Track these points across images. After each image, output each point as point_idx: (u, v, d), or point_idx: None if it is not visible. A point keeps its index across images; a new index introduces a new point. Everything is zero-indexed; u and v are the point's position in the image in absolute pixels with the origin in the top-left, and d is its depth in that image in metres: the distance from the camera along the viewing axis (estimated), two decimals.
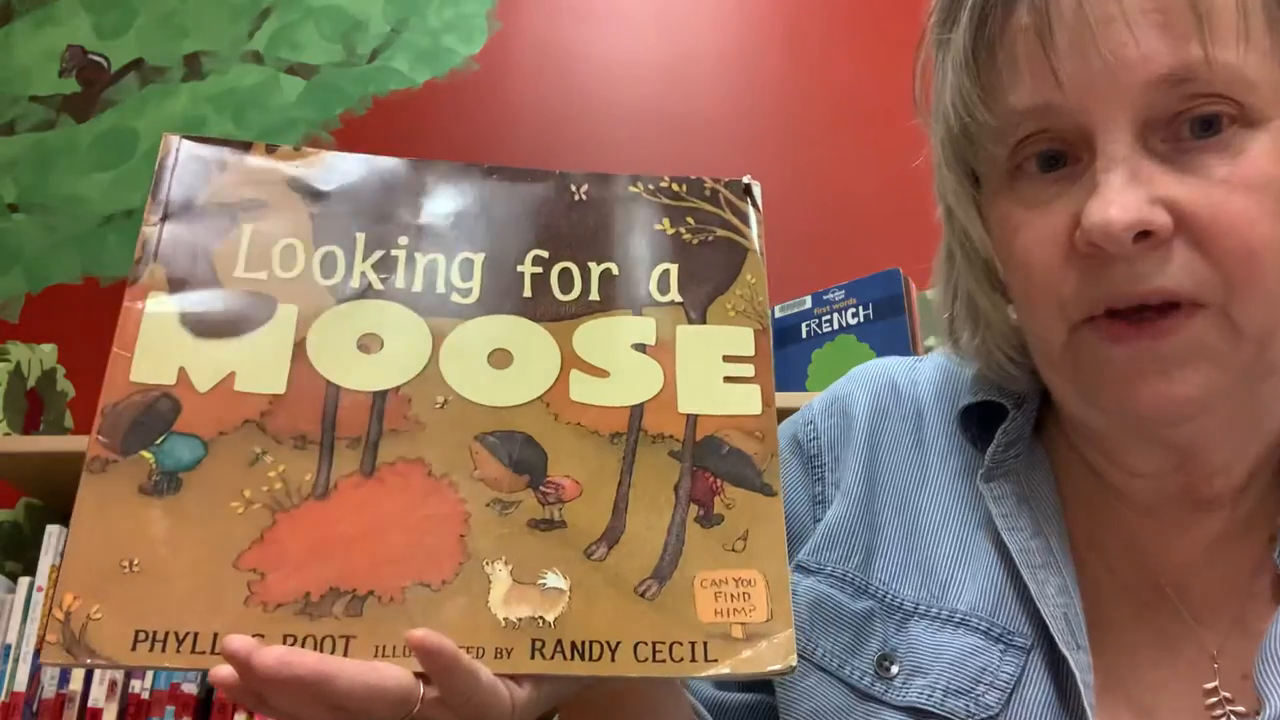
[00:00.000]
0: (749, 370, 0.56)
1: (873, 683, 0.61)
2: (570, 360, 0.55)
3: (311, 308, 0.55)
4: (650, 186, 0.60)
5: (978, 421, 0.65)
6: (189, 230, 0.55)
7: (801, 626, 0.64)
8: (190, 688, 1.47)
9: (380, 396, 0.53)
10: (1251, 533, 0.58)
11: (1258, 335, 0.51)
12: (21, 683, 1.49)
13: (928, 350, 1.76)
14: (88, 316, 1.91)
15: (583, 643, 0.50)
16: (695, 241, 0.59)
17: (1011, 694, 0.57)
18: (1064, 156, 0.53)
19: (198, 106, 2.01)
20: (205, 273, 0.55)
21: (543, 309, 0.56)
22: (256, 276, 0.55)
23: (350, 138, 1.98)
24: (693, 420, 0.55)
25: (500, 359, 0.55)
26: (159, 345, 0.53)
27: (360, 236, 0.57)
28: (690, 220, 0.59)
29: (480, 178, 0.59)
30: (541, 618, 0.50)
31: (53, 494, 1.76)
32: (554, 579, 0.51)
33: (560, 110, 1.99)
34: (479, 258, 0.57)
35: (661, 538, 0.52)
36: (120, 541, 0.49)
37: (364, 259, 0.56)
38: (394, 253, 0.56)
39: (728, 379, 0.56)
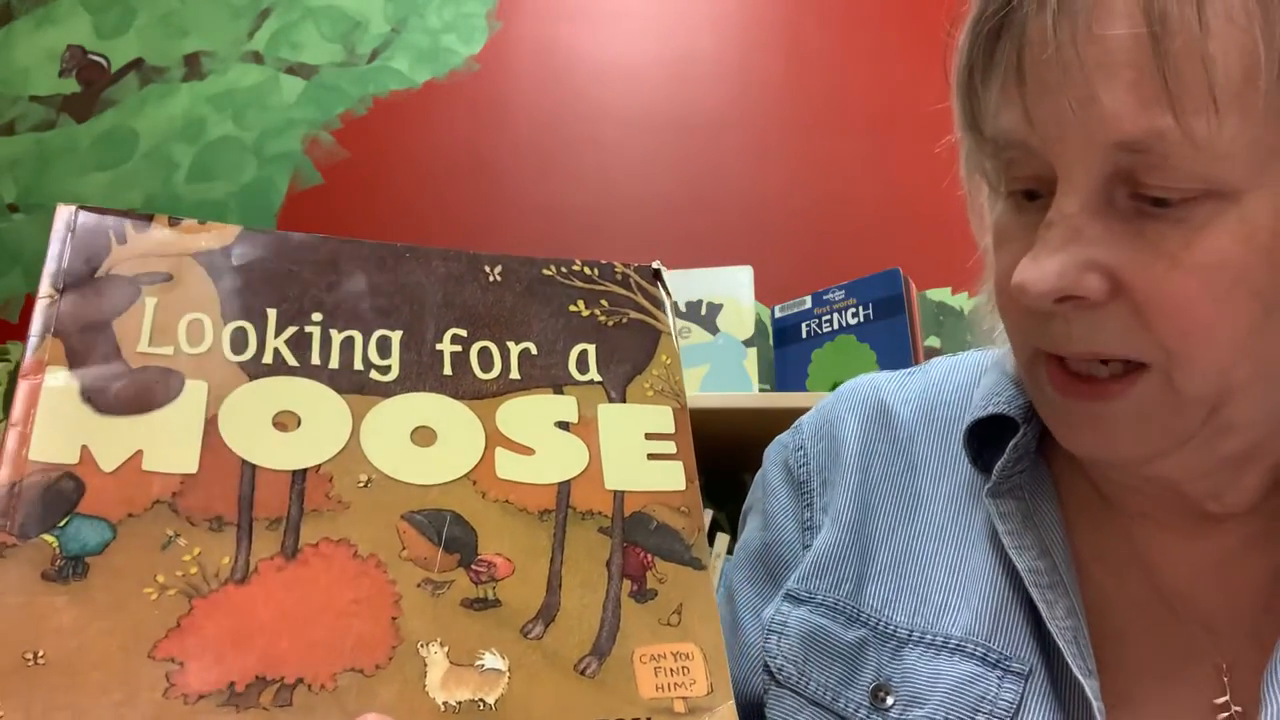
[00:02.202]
0: (671, 447, 0.57)
1: (868, 715, 0.60)
2: (494, 438, 0.55)
3: (222, 384, 0.52)
4: (563, 270, 0.60)
5: (979, 438, 0.63)
6: (88, 303, 0.53)
7: (793, 659, 0.65)
8: None
9: (300, 475, 0.51)
10: (1268, 545, 0.56)
11: (1203, 400, 0.49)
12: None
13: (928, 350, 1.76)
14: None
15: None
16: (610, 323, 0.59)
17: None
18: (1039, 191, 0.52)
19: (198, 106, 2.01)
20: (107, 347, 0.52)
21: (464, 387, 0.55)
22: (162, 351, 0.52)
23: (350, 138, 1.98)
24: (620, 496, 0.55)
25: (424, 437, 0.54)
26: (59, 422, 0.50)
27: (271, 312, 0.55)
28: (604, 303, 0.60)
29: (391, 256, 0.58)
30: (482, 700, 0.49)
31: None
32: (492, 660, 0.50)
33: (560, 110, 1.99)
34: (396, 335, 0.56)
35: (597, 614, 0.52)
36: (22, 633, 0.45)
37: (276, 334, 0.54)
38: (308, 329, 0.55)
39: (651, 456, 0.56)
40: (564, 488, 0.54)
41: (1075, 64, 0.46)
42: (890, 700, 0.59)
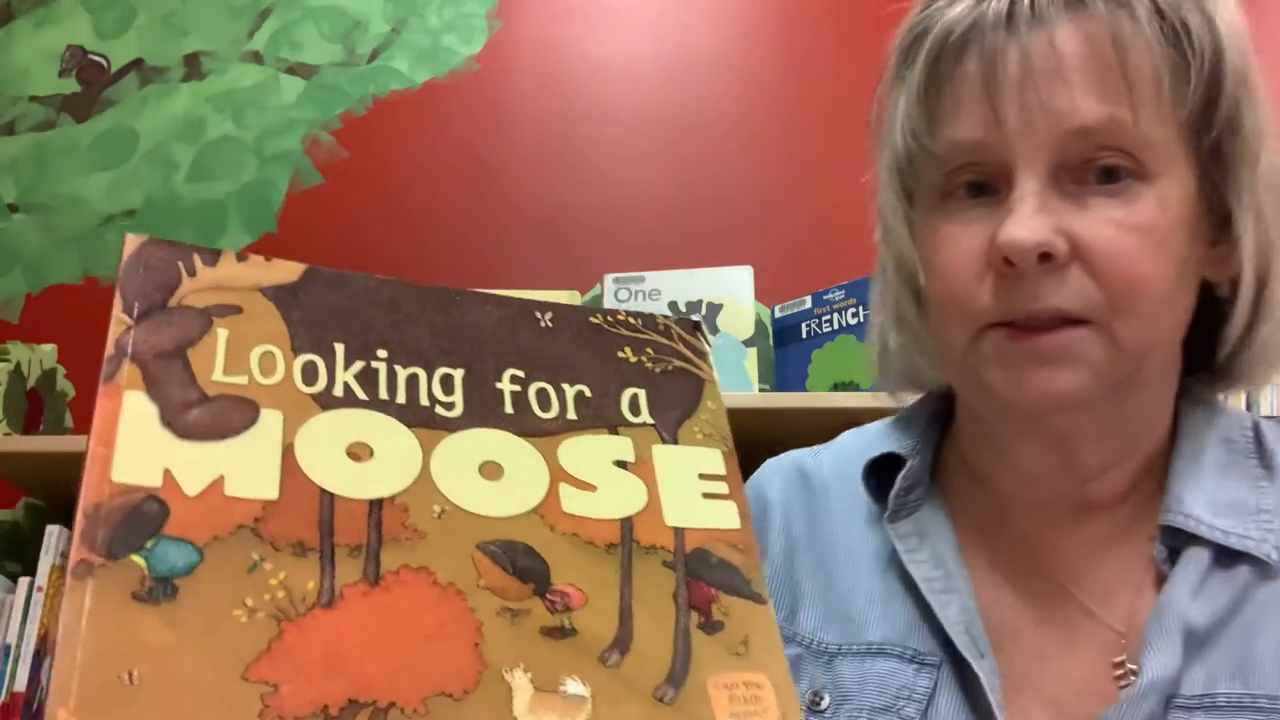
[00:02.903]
0: (724, 488, 0.58)
1: (807, 717, 0.67)
2: (558, 474, 0.56)
3: (296, 414, 0.53)
4: (609, 319, 0.62)
5: (878, 476, 0.72)
6: (162, 331, 0.54)
7: None
8: None
9: (376, 505, 0.52)
10: (1135, 532, 0.65)
11: (1135, 351, 0.60)
12: (21, 683, 1.49)
13: None
14: (88, 316, 1.91)
15: None
16: (657, 370, 0.61)
17: (928, 705, 0.64)
18: (986, 187, 0.62)
19: (198, 106, 2.01)
20: (183, 374, 0.53)
21: (526, 425, 0.57)
22: (236, 381, 0.53)
23: (350, 138, 1.98)
24: (680, 533, 0.56)
25: (491, 471, 0.55)
26: (141, 445, 0.50)
27: (339, 347, 0.56)
28: (650, 350, 0.62)
29: (448, 299, 0.59)
30: None
31: (53, 494, 1.76)
32: (574, 686, 0.50)
33: (560, 110, 1.99)
34: (458, 373, 0.57)
35: (669, 644, 0.53)
36: (116, 652, 0.45)
37: (345, 368, 0.55)
38: (374, 364, 0.56)
39: (706, 495, 0.58)
40: (626, 523, 0.56)
41: (1043, 71, 0.59)
42: (825, 702, 0.68)
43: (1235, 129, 0.61)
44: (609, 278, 1.64)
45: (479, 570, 0.52)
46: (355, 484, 0.52)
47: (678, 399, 0.61)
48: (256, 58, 2.03)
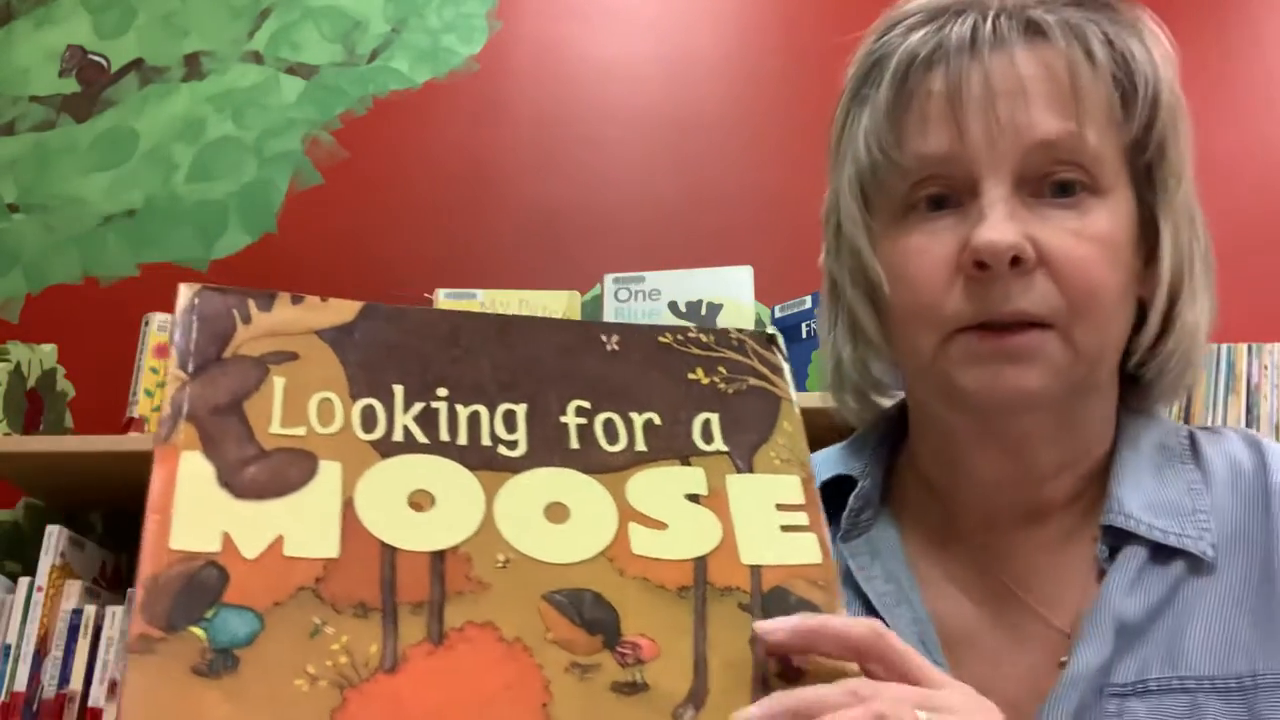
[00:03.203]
0: (803, 518, 0.55)
1: None
2: (626, 513, 0.53)
3: (356, 464, 0.51)
4: (679, 337, 0.59)
5: (831, 499, 0.70)
6: (218, 385, 0.52)
7: None
8: None
9: (438, 557, 0.50)
10: (1081, 535, 0.68)
11: (1090, 355, 0.64)
12: (21, 683, 1.49)
13: None
14: (88, 316, 1.91)
15: None
16: (731, 391, 0.58)
17: None
18: (948, 200, 0.65)
19: (198, 106, 2.01)
20: (239, 429, 0.51)
21: (592, 460, 0.54)
22: (294, 432, 0.52)
23: (350, 138, 1.98)
24: (757, 572, 0.53)
25: (557, 513, 0.53)
26: (198, 508, 0.49)
27: (398, 389, 0.54)
28: (722, 370, 0.59)
29: (508, 328, 0.57)
30: None
31: (53, 494, 1.76)
32: None
33: (560, 110, 1.99)
34: (521, 409, 0.55)
35: (748, 697, 0.50)
36: None
37: (405, 410, 0.53)
38: (434, 404, 0.54)
39: (784, 528, 0.55)
40: (700, 564, 0.53)
41: (1005, 90, 0.64)
42: None
43: (1164, 153, 0.66)
44: (609, 278, 1.64)
45: (546, 623, 0.50)
46: (417, 536, 0.50)
47: (753, 422, 0.58)
48: (256, 58, 2.03)
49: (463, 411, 0.54)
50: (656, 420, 0.56)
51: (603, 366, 0.57)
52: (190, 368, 0.53)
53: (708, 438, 0.57)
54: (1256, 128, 1.92)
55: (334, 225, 1.93)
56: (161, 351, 1.66)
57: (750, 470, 0.56)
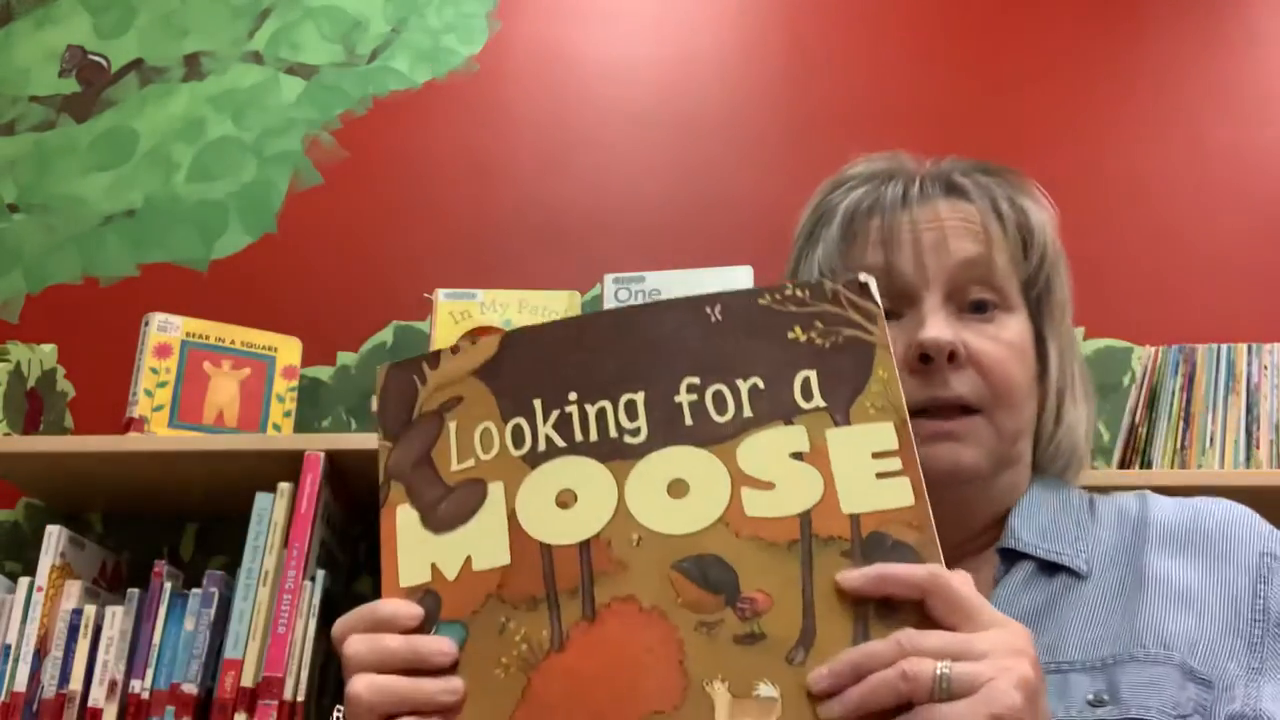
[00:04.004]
0: (896, 464, 0.61)
1: None
2: (739, 478, 0.60)
3: (513, 479, 0.63)
4: (777, 296, 0.65)
5: None
6: (412, 445, 0.65)
7: None
8: (190, 688, 1.47)
9: (585, 546, 0.60)
10: (985, 561, 0.82)
11: (1009, 435, 0.81)
12: (21, 683, 1.49)
13: None
14: (88, 316, 1.91)
15: None
16: (827, 345, 0.64)
17: None
18: (891, 313, 0.79)
19: (198, 107, 2.01)
20: (430, 476, 0.64)
21: (705, 434, 0.62)
22: (467, 466, 0.64)
23: (350, 138, 1.98)
24: (856, 520, 0.60)
25: (678, 489, 0.61)
26: (413, 550, 0.63)
27: (537, 403, 0.64)
28: (819, 324, 0.64)
29: (628, 321, 0.65)
30: None
31: (53, 494, 1.76)
32: (766, 689, 0.56)
33: (560, 110, 1.99)
34: (640, 396, 0.63)
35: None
36: None
37: (544, 422, 0.64)
38: (567, 409, 0.63)
39: (879, 475, 0.61)
40: (805, 518, 0.60)
41: (930, 229, 0.82)
42: None
43: (1051, 289, 0.84)
44: (609, 278, 1.64)
45: (676, 589, 0.59)
46: (566, 531, 0.61)
47: (849, 374, 0.63)
48: (256, 58, 2.03)
49: (591, 410, 0.63)
50: (760, 385, 0.63)
51: (709, 339, 0.64)
52: (392, 435, 0.66)
53: (807, 395, 0.62)
54: (1254, 127, 1.92)
55: (334, 225, 1.93)
56: (161, 351, 1.66)
57: (848, 422, 0.62)
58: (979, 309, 0.81)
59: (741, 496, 0.60)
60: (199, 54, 2.04)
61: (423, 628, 0.61)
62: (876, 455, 0.61)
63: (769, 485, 0.60)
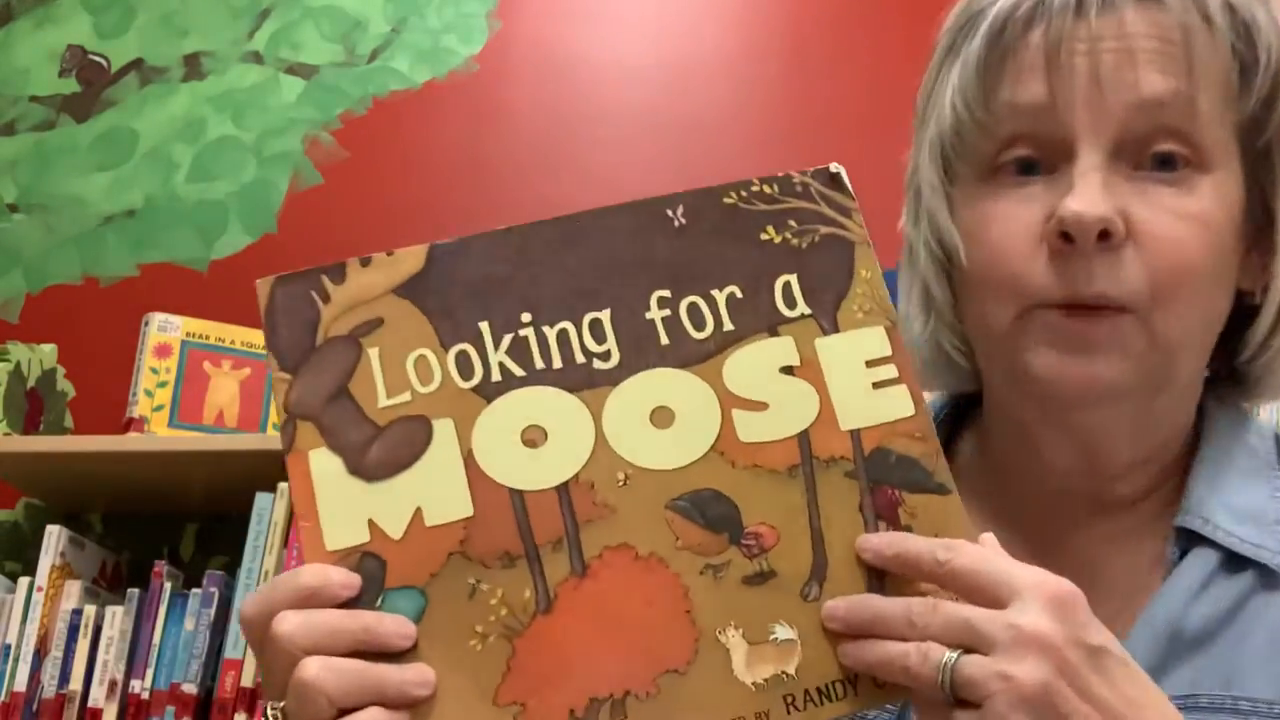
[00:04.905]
0: (892, 371, 0.56)
1: None
2: (727, 400, 0.54)
3: (465, 416, 0.53)
4: (744, 194, 0.58)
5: None
6: (320, 375, 0.53)
7: None
8: (190, 688, 1.47)
9: (563, 490, 0.52)
10: (1150, 531, 0.64)
11: (1169, 345, 0.59)
12: (21, 683, 1.49)
13: None
14: (88, 316, 1.91)
15: (827, 685, 0.51)
16: (804, 245, 0.57)
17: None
18: (1038, 164, 0.61)
19: (198, 106, 2.01)
20: (352, 414, 0.53)
21: (685, 353, 0.55)
22: (401, 400, 0.53)
23: (350, 138, 1.98)
24: (857, 436, 0.55)
25: (662, 417, 0.54)
26: (340, 504, 0.51)
27: (484, 326, 0.54)
28: (793, 223, 0.58)
29: (575, 229, 0.57)
30: (784, 672, 0.51)
31: (53, 494, 1.76)
32: (783, 630, 0.51)
33: (560, 110, 1.99)
34: (605, 315, 0.55)
35: (862, 564, 0.53)
36: None
37: (496, 348, 0.54)
38: (522, 333, 0.54)
39: (876, 384, 0.55)
40: (803, 438, 0.54)
41: (1110, 48, 0.59)
42: None
43: None
44: None
45: (674, 531, 0.52)
46: (539, 473, 0.52)
47: (831, 275, 0.57)
48: (256, 58, 2.03)
49: (550, 333, 0.54)
50: (738, 293, 0.56)
51: (674, 246, 0.56)
52: (291, 366, 0.53)
53: (790, 302, 0.56)
54: None
55: (334, 225, 1.93)
56: (161, 351, 1.66)
57: (836, 329, 0.56)
58: (1164, 164, 0.59)
59: (734, 420, 0.54)
60: (199, 54, 2.04)
61: (363, 598, 0.50)
62: (870, 364, 0.55)
63: (762, 406, 0.54)
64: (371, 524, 0.51)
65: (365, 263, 0.55)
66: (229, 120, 2.00)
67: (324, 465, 0.52)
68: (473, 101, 1.99)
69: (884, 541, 0.52)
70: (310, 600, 0.49)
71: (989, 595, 0.49)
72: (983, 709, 0.47)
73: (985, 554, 0.51)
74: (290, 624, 0.48)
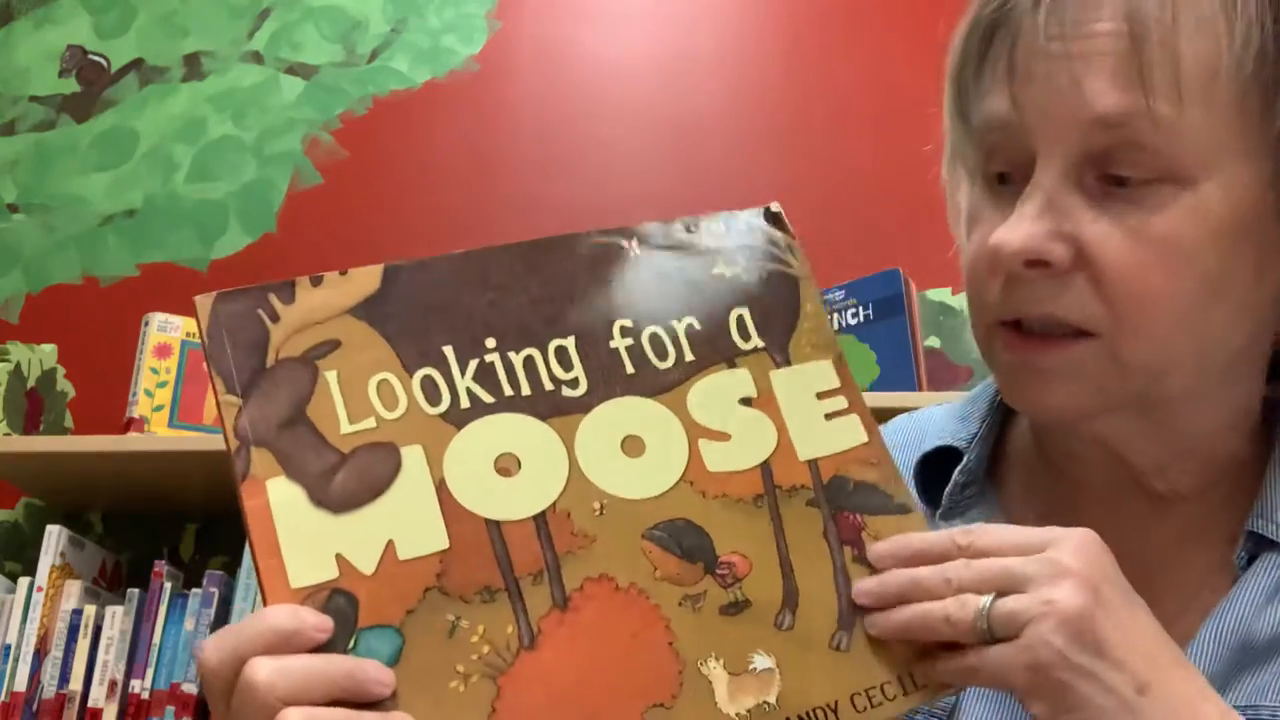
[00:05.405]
0: (842, 402, 0.57)
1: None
2: (694, 429, 0.54)
3: (434, 443, 0.50)
4: (693, 228, 0.60)
5: (930, 475, 0.68)
6: (273, 399, 0.50)
7: None
8: (190, 688, 1.47)
9: (541, 520, 0.51)
10: (1213, 531, 0.61)
11: (1143, 370, 0.56)
12: (21, 683, 1.49)
13: (928, 351, 1.76)
14: (88, 316, 1.91)
15: (808, 712, 0.51)
16: (753, 280, 0.59)
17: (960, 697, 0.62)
18: (1011, 176, 0.58)
19: (198, 106, 2.01)
20: (312, 440, 0.49)
21: (651, 382, 0.55)
22: (365, 426, 0.50)
23: (350, 138, 1.98)
24: (815, 465, 0.56)
25: (633, 446, 0.53)
26: (304, 537, 0.48)
27: (448, 350, 0.52)
28: (740, 260, 0.59)
29: (536, 255, 0.56)
30: (765, 702, 0.51)
31: (53, 494, 1.76)
32: (761, 660, 0.51)
33: (560, 110, 1.99)
34: (570, 342, 0.54)
35: (831, 588, 0.53)
36: None
37: (463, 374, 0.52)
38: (488, 358, 0.53)
39: (828, 416, 0.57)
40: (765, 469, 0.55)
41: (1063, 54, 0.54)
42: None
43: None
44: None
45: (652, 561, 0.52)
46: (515, 503, 0.51)
47: (779, 310, 0.58)
48: (256, 58, 2.03)
49: (516, 359, 0.53)
50: (696, 324, 0.57)
51: (630, 277, 0.57)
52: (239, 388, 0.50)
53: (744, 334, 0.57)
54: None
55: (334, 225, 1.93)
56: (161, 351, 1.66)
57: (788, 362, 0.57)
58: (1123, 183, 0.54)
59: (700, 450, 0.54)
60: (199, 54, 2.04)
61: (335, 640, 0.46)
62: (821, 395, 0.57)
63: (725, 436, 0.55)
64: (340, 559, 0.48)
65: (316, 281, 0.53)
66: (229, 120, 2.00)
67: (284, 495, 0.48)
68: (473, 101, 1.99)
69: (899, 544, 0.53)
70: (282, 645, 0.45)
71: (1022, 553, 0.49)
72: (1023, 635, 0.47)
73: (1004, 526, 0.51)
74: (267, 671, 0.44)
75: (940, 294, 1.79)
